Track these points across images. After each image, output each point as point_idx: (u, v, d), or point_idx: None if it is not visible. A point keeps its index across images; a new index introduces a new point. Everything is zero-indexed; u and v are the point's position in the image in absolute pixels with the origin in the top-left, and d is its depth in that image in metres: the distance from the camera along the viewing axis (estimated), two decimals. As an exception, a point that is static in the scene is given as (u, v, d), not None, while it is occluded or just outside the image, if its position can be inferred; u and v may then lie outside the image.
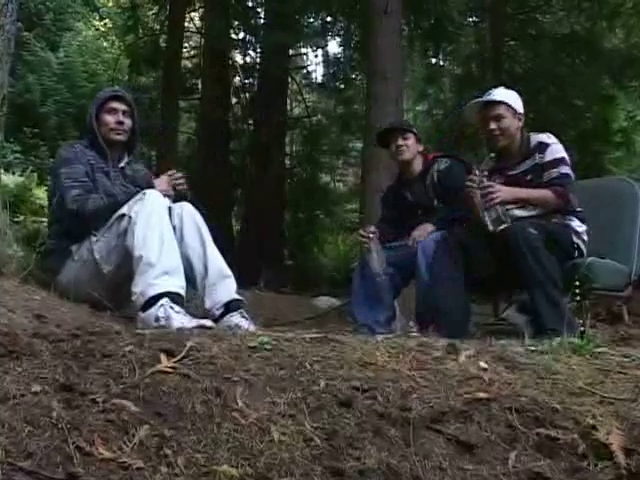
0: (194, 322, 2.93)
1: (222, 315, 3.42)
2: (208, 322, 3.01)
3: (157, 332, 2.32)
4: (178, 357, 1.95)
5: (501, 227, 3.53)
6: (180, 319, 2.97)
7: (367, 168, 7.36)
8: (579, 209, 3.75)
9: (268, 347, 2.16)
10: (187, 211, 3.61)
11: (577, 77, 10.88)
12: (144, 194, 3.41)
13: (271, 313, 6.01)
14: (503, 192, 3.58)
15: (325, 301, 7.45)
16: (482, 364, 2.21)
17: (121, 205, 3.47)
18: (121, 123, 3.81)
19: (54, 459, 1.45)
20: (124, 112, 3.83)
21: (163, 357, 1.94)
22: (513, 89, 4.02)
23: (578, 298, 3.18)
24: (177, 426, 1.62)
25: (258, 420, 1.69)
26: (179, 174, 3.84)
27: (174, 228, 3.48)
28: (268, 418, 1.71)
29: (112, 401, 1.66)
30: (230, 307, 3.44)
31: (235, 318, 3.38)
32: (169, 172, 3.84)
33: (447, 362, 2.22)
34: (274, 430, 1.66)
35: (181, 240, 3.51)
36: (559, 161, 3.71)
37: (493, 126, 3.79)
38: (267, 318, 5.44)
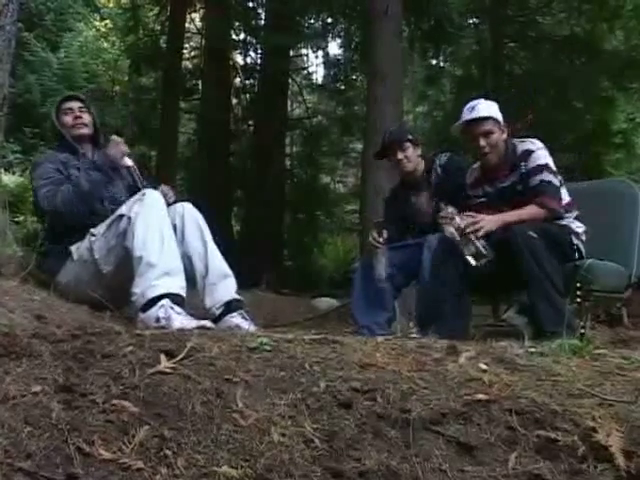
0: (194, 323, 2.93)
1: (222, 315, 3.42)
2: (208, 323, 3.01)
3: (157, 333, 2.32)
4: (178, 358, 1.95)
5: (483, 261, 3.50)
6: (180, 320, 2.97)
7: (367, 169, 7.36)
8: (575, 212, 3.75)
9: (268, 348, 2.17)
10: (188, 210, 3.62)
11: (577, 79, 10.87)
12: (143, 194, 3.41)
13: (271, 314, 6.02)
14: (487, 222, 3.55)
15: (325, 302, 7.46)
16: (482, 366, 2.21)
17: (87, 191, 3.61)
18: (79, 117, 3.96)
19: (54, 460, 1.45)
20: (79, 108, 3.98)
21: (163, 358, 1.94)
22: (491, 99, 4.00)
23: (578, 300, 3.18)
24: (177, 427, 1.62)
25: (258, 421, 1.69)
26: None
27: (175, 227, 3.49)
28: (268, 419, 1.71)
29: (112, 402, 1.66)
30: (230, 307, 3.44)
31: (235, 319, 3.38)
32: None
33: (447, 363, 2.22)
34: (274, 431, 1.66)
35: (182, 239, 3.51)
36: (541, 168, 3.70)
37: (483, 143, 3.77)
38: (267, 319, 5.44)
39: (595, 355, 2.47)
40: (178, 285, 3.19)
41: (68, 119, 3.94)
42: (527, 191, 3.69)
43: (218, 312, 3.43)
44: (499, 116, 3.85)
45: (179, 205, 3.64)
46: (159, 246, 3.22)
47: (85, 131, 3.96)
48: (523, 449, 1.73)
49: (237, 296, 3.53)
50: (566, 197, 3.77)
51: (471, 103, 3.89)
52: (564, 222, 3.69)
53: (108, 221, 3.48)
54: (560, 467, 1.67)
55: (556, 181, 3.71)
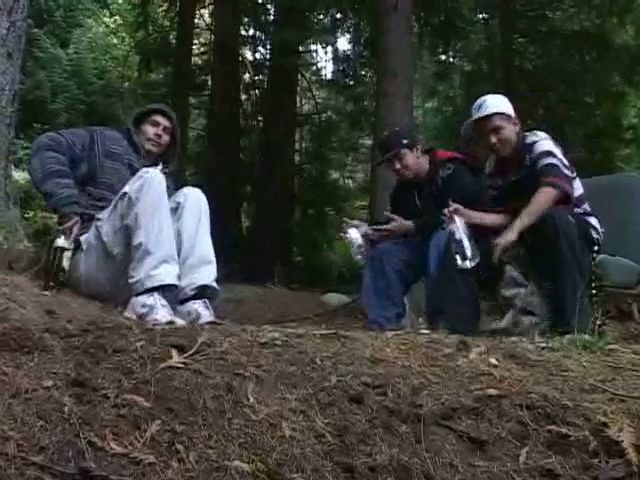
0: (169, 318, 2.96)
1: (193, 297, 3.41)
2: (180, 321, 3.00)
3: (168, 327, 2.33)
4: (189, 352, 1.96)
5: (466, 264, 3.47)
6: (161, 314, 3.00)
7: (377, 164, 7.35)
8: (587, 206, 3.73)
9: (279, 343, 2.17)
10: (194, 193, 3.63)
11: (587, 74, 10.86)
12: (145, 173, 3.39)
13: (280, 309, 6.02)
14: (506, 238, 3.52)
15: (334, 297, 7.44)
16: (493, 361, 2.21)
17: (42, 188, 3.73)
18: (159, 136, 3.95)
19: (66, 454, 1.45)
20: (165, 128, 3.99)
21: (174, 352, 1.94)
22: (499, 92, 4.00)
23: (593, 295, 3.17)
24: (188, 421, 1.62)
25: (269, 416, 1.69)
26: None
27: (178, 204, 3.51)
28: (279, 414, 1.71)
29: (123, 396, 1.67)
30: (203, 292, 3.43)
31: (198, 305, 3.36)
32: None
33: (458, 358, 2.22)
34: (285, 426, 1.66)
35: (180, 217, 3.52)
36: (545, 153, 3.67)
37: (493, 139, 3.77)
38: (277, 314, 5.45)
39: (606, 350, 2.47)
40: (174, 274, 3.22)
41: (150, 130, 3.93)
42: (536, 179, 3.64)
43: (191, 294, 3.43)
44: (508, 109, 3.83)
45: (186, 187, 3.67)
46: (157, 231, 3.22)
47: (155, 150, 3.95)
48: (534, 444, 1.73)
49: (214, 284, 3.52)
50: (579, 189, 3.74)
51: (478, 101, 3.87)
52: (586, 217, 3.67)
53: (113, 203, 3.48)
54: (571, 462, 1.67)
55: (562, 167, 3.65)
